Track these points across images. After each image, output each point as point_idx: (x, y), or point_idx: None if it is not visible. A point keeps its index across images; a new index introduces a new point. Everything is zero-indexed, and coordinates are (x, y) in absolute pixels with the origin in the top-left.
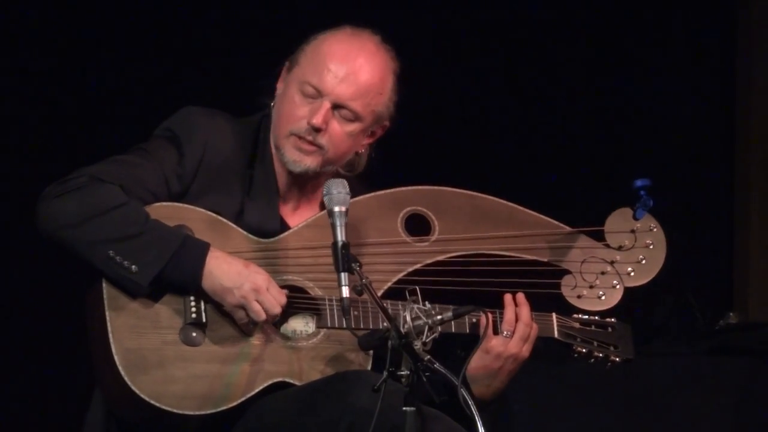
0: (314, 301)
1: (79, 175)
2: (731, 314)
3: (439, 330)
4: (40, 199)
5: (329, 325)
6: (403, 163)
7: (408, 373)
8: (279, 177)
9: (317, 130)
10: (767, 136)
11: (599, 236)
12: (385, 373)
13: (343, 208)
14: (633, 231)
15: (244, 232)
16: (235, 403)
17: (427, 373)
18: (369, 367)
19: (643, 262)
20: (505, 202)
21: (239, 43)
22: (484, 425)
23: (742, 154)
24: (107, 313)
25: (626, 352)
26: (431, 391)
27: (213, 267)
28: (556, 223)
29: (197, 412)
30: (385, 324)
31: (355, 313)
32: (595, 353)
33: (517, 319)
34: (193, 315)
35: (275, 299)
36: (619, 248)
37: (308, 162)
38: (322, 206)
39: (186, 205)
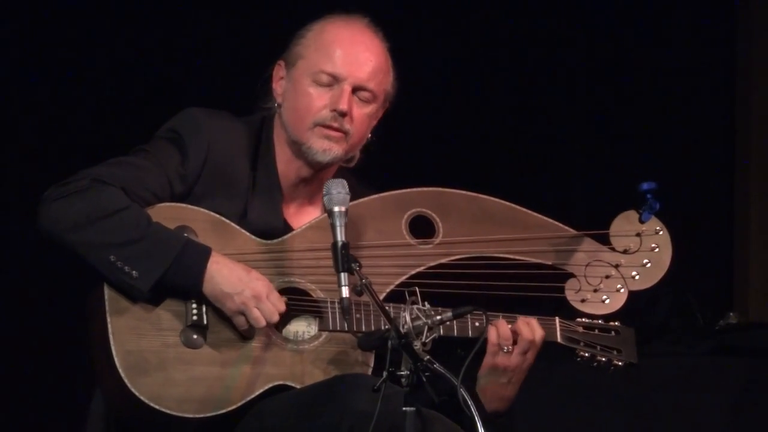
0: (316, 304)
1: (80, 177)
2: (731, 314)
3: (440, 331)
4: (42, 201)
5: (331, 327)
6: (407, 165)
7: (408, 373)
8: (282, 178)
9: (343, 114)
10: (767, 136)
11: (604, 239)
12: (385, 374)
13: (343, 208)
14: (639, 234)
15: (248, 234)
16: (235, 406)
17: (426, 373)
18: (371, 371)
19: (648, 265)
20: (509, 204)
21: (239, 43)
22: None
23: (743, 155)
24: (108, 315)
25: (629, 357)
26: (431, 392)
27: (214, 272)
28: (561, 225)
29: (197, 415)
30: (386, 325)
31: (357, 315)
32: (598, 357)
33: (516, 333)
34: (194, 317)
35: (274, 306)
36: (624, 251)
37: (336, 150)
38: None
39: (190, 206)
